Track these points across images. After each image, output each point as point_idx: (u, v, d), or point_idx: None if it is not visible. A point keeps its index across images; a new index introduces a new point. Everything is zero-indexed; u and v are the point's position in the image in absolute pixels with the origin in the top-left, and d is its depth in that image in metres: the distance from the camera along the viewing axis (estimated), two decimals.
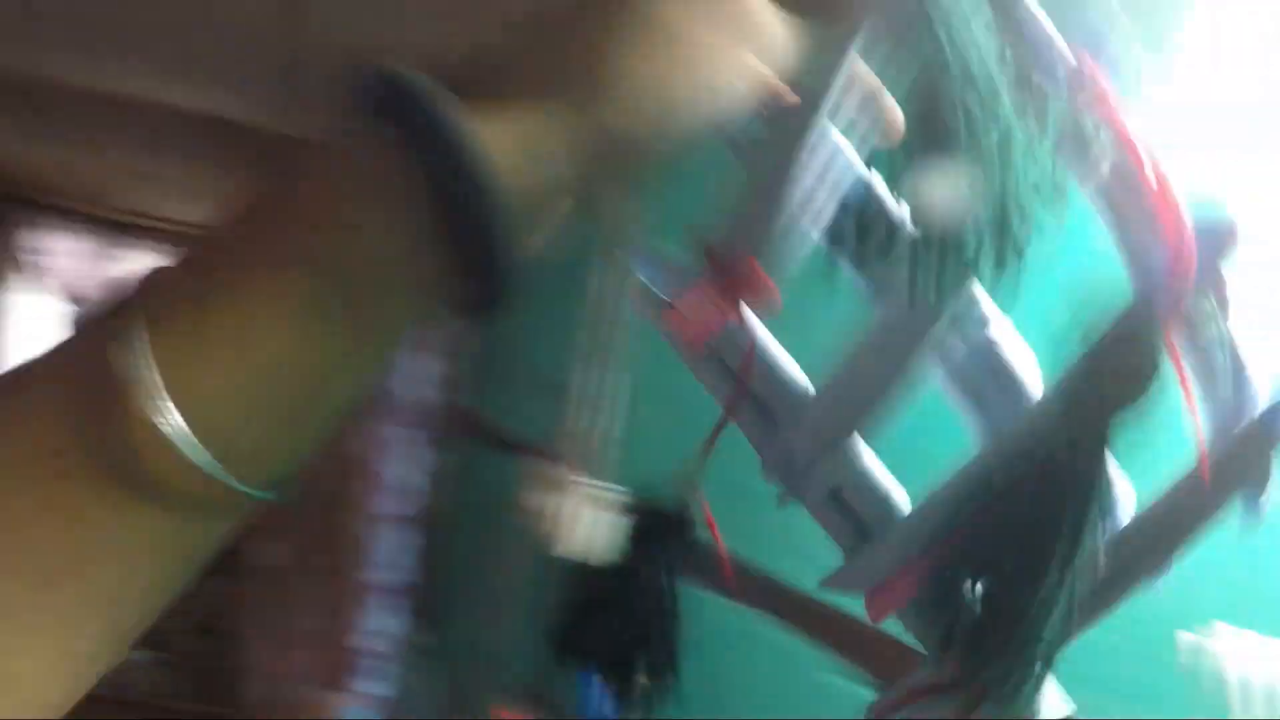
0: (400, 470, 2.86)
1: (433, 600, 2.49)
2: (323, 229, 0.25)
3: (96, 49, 1.91)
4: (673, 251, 0.35)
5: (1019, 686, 0.35)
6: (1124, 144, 0.34)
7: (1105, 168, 0.34)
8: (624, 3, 0.27)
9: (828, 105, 0.32)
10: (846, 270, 0.37)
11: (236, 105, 2.07)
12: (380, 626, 2.79)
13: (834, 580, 0.35)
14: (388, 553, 3.00)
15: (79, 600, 0.25)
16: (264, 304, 0.24)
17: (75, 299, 3.55)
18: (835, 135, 0.34)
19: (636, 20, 0.27)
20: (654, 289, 0.36)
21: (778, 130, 0.33)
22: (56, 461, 0.24)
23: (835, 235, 0.36)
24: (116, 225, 3.46)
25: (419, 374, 2.69)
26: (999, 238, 0.32)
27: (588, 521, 1.29)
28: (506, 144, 0.25)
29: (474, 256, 0.25)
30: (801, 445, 0.34)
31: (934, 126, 0.32)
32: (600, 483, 1.34)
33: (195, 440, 0.23)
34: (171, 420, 0.23)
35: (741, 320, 0.35)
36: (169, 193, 3.03)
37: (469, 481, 2.19)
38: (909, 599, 0.35)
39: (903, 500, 0.36)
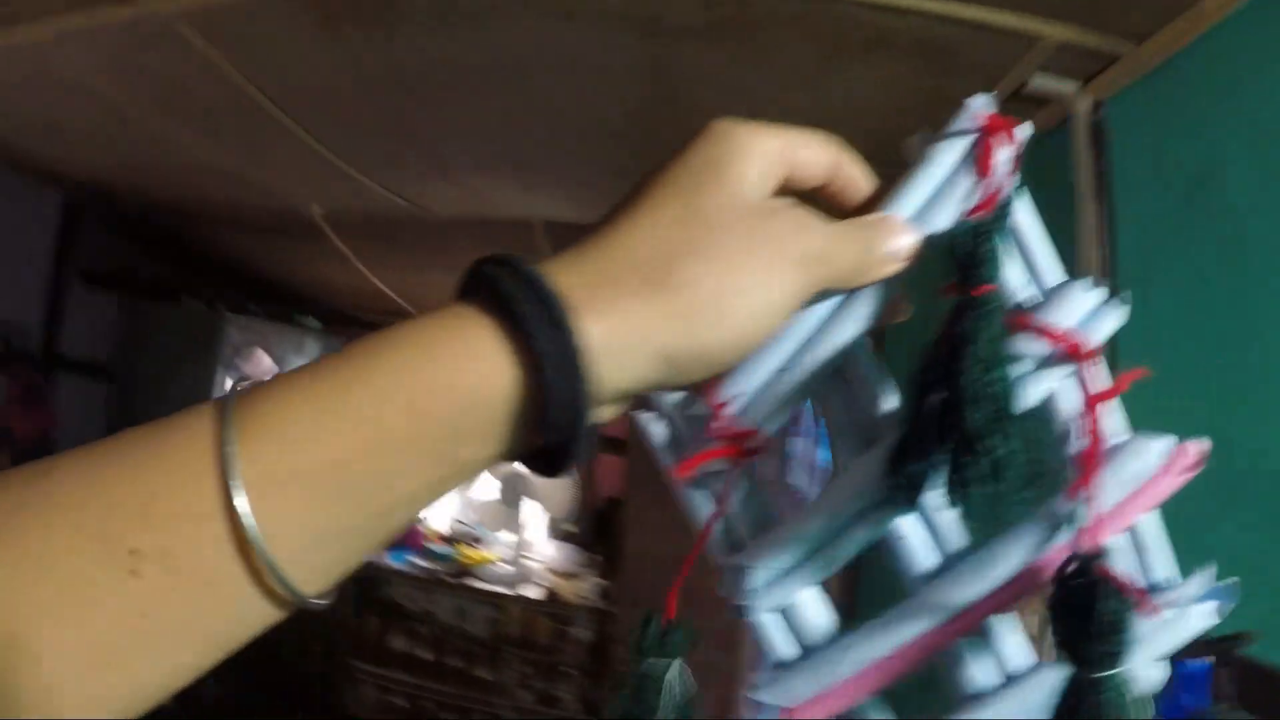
0: None
1: None
2: (436, 387, 0.28)
3: (466, 181, 1.98)
4: (694, 409, 0.41)
5: None
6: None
7: None
8: (695, 215, 0.31)
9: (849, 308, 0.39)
10: (831, 428, 0.42)
11: (592, 208, 2.12)
12: None
13: (767, 691, 0.41)
14: None
15: (126, 684, 0.26)
16: (363, 440, 0.27)
17: None
18: (850, 317, 0.39)
19: (703, 233, 0.31)
20: (675, 444, 0.42)
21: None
22: (130, 555, 0.25)
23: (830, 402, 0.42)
24: None
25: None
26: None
27: None
28: (601, 342, 0.28)
29: (560, 434, 0.29)
30: (750, 578, 0.41)
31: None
32: None
33: (266, 543, 0.26)
34: (251, 522, 0.26)
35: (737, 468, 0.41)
36: None
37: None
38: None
39: (826, 626, 0.42)
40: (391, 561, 4.02)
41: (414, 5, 1.17)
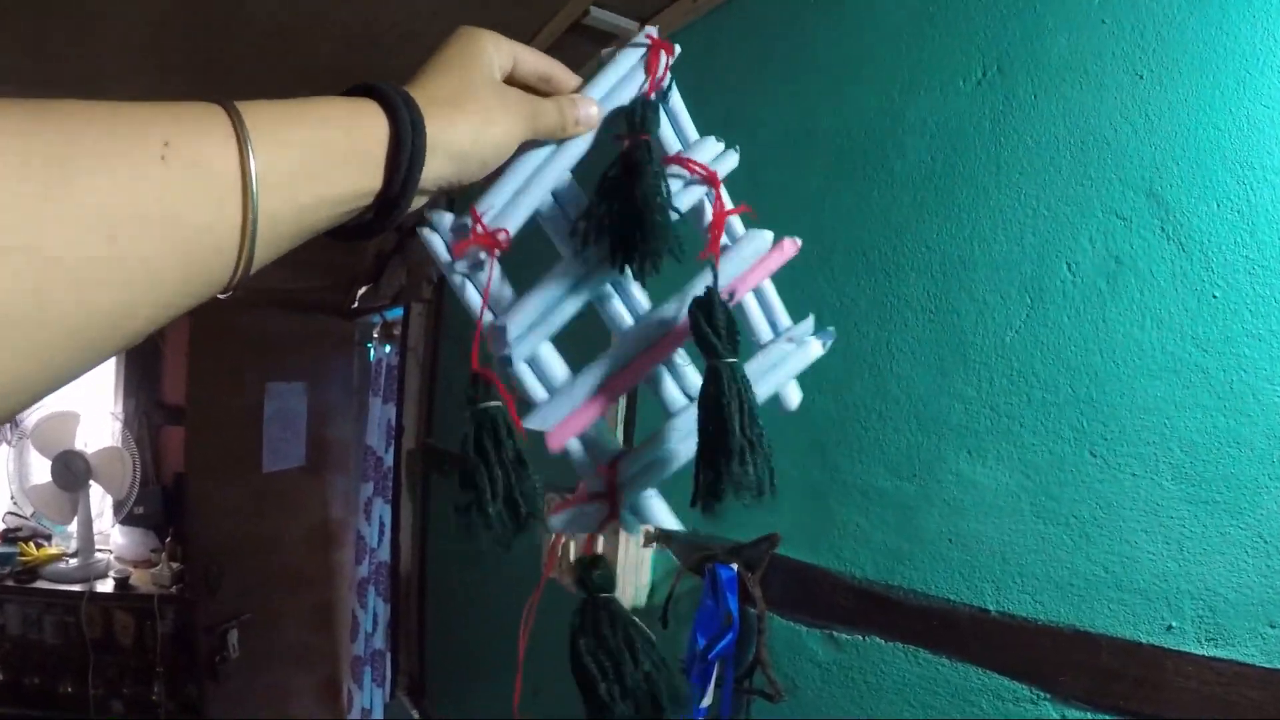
0: None
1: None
2: (356, 126, 0.42)
3: None
4: (461, 219, 0.56)
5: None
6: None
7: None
8: (466, 82, 0.49)
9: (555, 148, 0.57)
10: (550, 230, 0.59)
11: None
12: None
13: (531, 421, 0.58)
14: None
15: (132, 258, 0.31)
16: (321, 140, 0.40)
17: None
18: (561, 159, 0.57)
19: (473, 90, 0.49)
20: (447, 238, 0.57)
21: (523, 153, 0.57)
22: (164, 145, 0.32)
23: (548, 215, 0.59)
24: None
25: None
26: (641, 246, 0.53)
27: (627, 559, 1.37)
28: (430, 133, 0.45)
29: (403, 173, 0.44)
30: (509, 330, 0.57)
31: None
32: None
33: (255, 174, 0.35)
34: (251, 153, 0.35)
35: (492, 255, 0.56)
36: None
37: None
38: (577, 434, 0.58)
39: (564, 372, 0.59)
40: None
41: None
